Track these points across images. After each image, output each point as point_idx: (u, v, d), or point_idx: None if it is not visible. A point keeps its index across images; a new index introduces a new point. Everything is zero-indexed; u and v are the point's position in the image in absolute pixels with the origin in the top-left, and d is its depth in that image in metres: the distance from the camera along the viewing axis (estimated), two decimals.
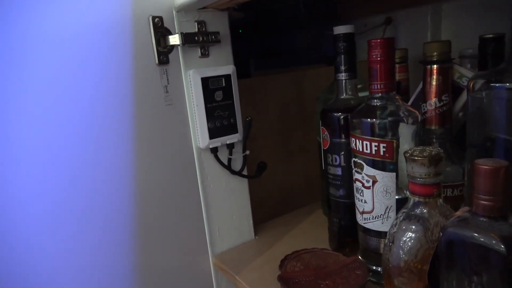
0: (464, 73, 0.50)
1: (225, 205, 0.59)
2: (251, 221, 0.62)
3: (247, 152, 0.58)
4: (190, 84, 0.52)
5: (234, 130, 0.55)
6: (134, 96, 0.48)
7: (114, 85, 0.47)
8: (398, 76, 0.62)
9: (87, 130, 0.46)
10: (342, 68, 0.48)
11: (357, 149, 0.44)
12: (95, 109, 0.46)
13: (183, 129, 0.53)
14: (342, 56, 0.48)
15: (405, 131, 0.41)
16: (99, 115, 0.47)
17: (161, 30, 0.49)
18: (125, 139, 0.49)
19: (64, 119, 0.44)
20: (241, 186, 0.60)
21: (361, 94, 0.51)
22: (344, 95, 0.50)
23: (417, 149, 0.35)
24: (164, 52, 0.50)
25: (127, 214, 0.50)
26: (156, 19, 0.49)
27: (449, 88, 0.46)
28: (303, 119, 0.71)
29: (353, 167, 0.45)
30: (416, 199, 0.35)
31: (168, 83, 0.51)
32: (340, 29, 0.48)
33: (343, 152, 0.49)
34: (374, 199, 0.43)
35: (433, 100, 0.46)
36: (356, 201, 0.46)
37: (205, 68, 0.52)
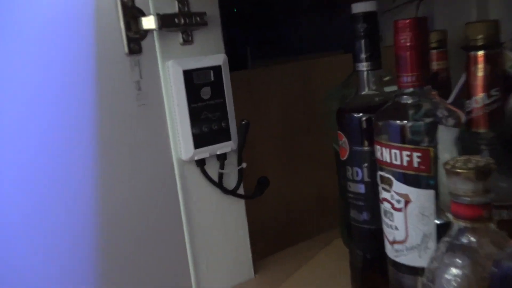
0: None
1: (215, 233, 0.58)
2: (250, 255, 0.62)
3: (244, 165, 0.58)
4: (169, 79, 0.52)
5: (226, 137, 0.55)
6: (98, 95, 0.49)
7: (72, 81, 0.47)
8: (434, 66, 0.62)
9: (39, 138, 0.46)
10: (363, 56, 0.49)
11: (384, 159, 0.44)
12: (48, 112, 0.46)
13: (161, 137, 0.53)
14: (363, 40, 0.48)
15: (445, 136, 0.41)
16: (54, 120, 0.47)
17: (132, 11, 0.50)
18: (87, 149, 0.49)
19: (8, 124, 0.44)
20: (236, 209, 0.60)
21: (387, 89, 0.51)
22: (366, 90, 0.50)
23: (461, 159, 0.35)
24: (136, 39, 0.50)
25: (89, 243, 0.50)
26: None
27: (500, 80, 0.46)
28: (312, 121, 0.71)
29: (379, 183, 0.45)
30: (461, 224, 0.35)
31: (140, 78, 0.51)
32: (359, 7, 0.48)
33: (366, 164, 0.49)
34: (408, 224, 0.43)
35: (479, 96, 0.46)
36: (385, 227, 0.46)
37: (188, 58, 0.53)
